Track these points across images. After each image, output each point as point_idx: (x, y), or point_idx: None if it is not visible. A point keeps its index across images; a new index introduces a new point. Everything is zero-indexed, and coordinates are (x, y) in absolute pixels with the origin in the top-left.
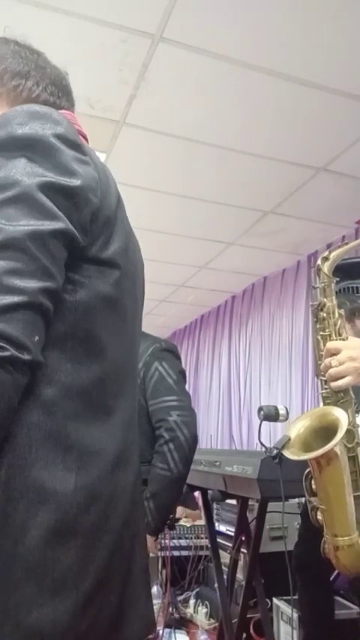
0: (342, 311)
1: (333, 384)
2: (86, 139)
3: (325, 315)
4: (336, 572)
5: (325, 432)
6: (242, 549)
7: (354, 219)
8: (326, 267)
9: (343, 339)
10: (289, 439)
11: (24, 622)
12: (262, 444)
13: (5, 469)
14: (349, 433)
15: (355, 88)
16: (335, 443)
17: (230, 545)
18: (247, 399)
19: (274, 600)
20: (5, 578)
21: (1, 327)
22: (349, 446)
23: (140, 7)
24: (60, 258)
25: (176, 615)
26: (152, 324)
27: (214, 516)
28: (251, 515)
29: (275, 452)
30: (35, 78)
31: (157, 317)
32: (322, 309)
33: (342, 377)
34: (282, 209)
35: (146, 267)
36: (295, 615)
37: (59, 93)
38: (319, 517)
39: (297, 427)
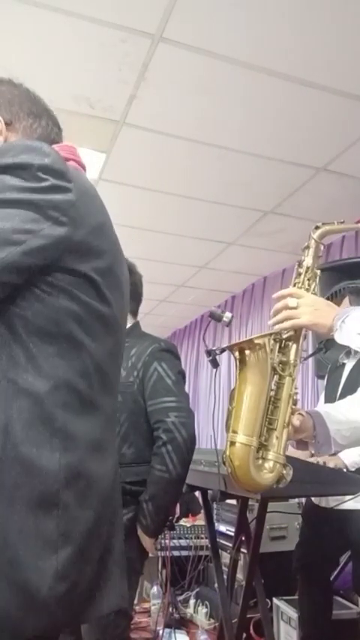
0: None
1: (282, 324)
2: (84, 168)
3: (301, 271)
4: (336, 572)
5: None
6: (242, 549)
7: (354, 219)
8: (316, 234)
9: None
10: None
11: (12, 580)
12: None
13: (0, 445)
14: (286, 365)
15: (355, 88)
16: (260, 335)
17: (230, 545)
18: None
19: (274, 600)
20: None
21: None
22: (282, 374)
23: (140, 7)
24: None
25: (176, 615)
26: (152, 324)
27: (214, 516)
28: (251, 516)
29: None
30: (46, 118)
31: (157, 317)
32: (300, 266)
33: (292, 318)
34: (282, 209)
35: (146, 267)
36: (295, 615)
37: (58, 130)
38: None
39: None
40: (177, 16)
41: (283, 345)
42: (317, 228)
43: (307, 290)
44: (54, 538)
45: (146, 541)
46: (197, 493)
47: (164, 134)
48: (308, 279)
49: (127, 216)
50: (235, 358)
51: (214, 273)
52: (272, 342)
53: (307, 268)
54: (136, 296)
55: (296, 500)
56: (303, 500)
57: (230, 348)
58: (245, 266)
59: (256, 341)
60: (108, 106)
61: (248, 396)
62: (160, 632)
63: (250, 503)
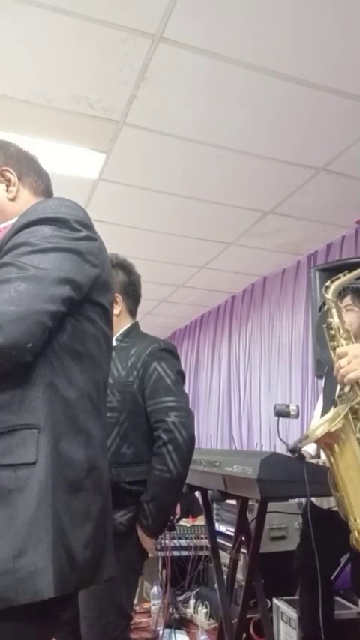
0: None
1: (344, 380)
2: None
3: (334, 332)
4: (336, 572)
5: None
6: (242, 549)
7: (354, 219)
8: (330, 293)
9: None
10: (307, 436)
11: (63, 544)
12: (282, 440)
13: (49, 439)
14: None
15: (356, 88)
16: (333, 423)
17: (230, 545)
18: (247, 399)
19: (274, 600)
20: (45, 513)
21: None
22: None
23: (140, 7)
24: (72, 297)
25: (176, 615)
26: (152, 324)
27: (214, 516)
28: (251, 516)
29: (295, 446)
30: (43, 175)
31: (157, 317)
32: (330, 328)
33: (350, 372)
34: (282, 209)
35: (146, 267)
36: (295, 615)
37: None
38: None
39: (317, 427)
40: (177, 16)
41: (356, 412)
42: (327, 287)
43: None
44: (82, 515)
45: (146, 541)
46: (197, 493)
47: (164, 134)
48: (345, 339)
49: (127, 216)
50: (323, 449)
51: (214, 273)
52: (347, 417)
53: (338, 328)
54: (135, 296)
55: (296, 500)
56: (303, 500)
57: (317, 442)
58: (245, 266)
59: (334, 429)
60: (108, 106)
61: (349, 480)
62: (160, 632)
63: (250, 503)
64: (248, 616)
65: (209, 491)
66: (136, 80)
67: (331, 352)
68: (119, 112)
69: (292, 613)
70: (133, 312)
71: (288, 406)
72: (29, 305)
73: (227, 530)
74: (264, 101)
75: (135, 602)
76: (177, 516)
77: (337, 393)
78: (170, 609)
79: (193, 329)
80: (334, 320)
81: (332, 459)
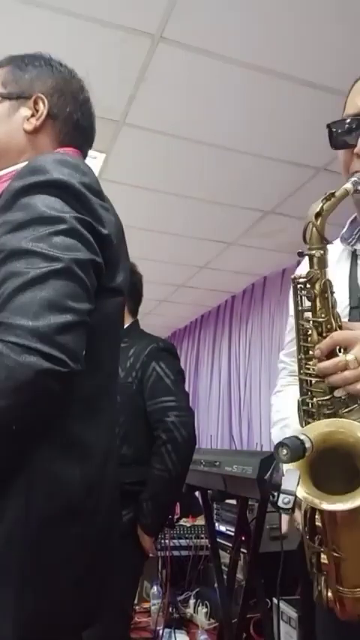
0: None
1: (351, 388)
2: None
3: (317, 292)
4: None
5: (343, 457)
6: (242, 549)
7: None
8: (320, 227)
9: (340, 326)
10: (299, 476)
11: (46, 585)
12: (272, 494)
13: (27, 462)
14: None
15: None
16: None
17: (230, 545)
18: (247, 399)
19: (274, 600)
20: (33, 548)
21: (65, 342)
22: None
23: (140, 7)
24: (94, 285)
25: (176, 615)
26: (152, 324)
27: (214, 516)
28: (251, 516)
29: (288, 500)
30: (83, 134)
31: (157, 317)
32: (312, 284)
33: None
34: (282, 209)
35: (146, 267)
36: (295, 615)
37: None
38: (326, 564)
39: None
40: (177, 16)
41: None
42: (319, 215)
43: (336, 320)
44: (79, 541)
45: (146, 540)
46: (197, 493)
47: (164, 134)
48: (331, 305)
49: (126, 216)
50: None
51: (214, 273)
52: None
53: (327, 287)
54: (137, 296)
55: None
56: None
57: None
58: (245, 266)
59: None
60: (108, 106)
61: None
62: (160, 632)
63: (250, 503)
64: (248, 616)
65: (209, 491)
66: (136, 80)
67: (305, 325)
68: (119, 112)
69: (292, 613)
70: (134, 311)
71: (300, 440)
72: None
73: (227, 530)
74: (264, 101)
75: (135, 602)
76: (177, 516)
77: (325, 396)
78: (170, 609)
79: (193, 329)
80: (322, 275)
81: (332, 516)
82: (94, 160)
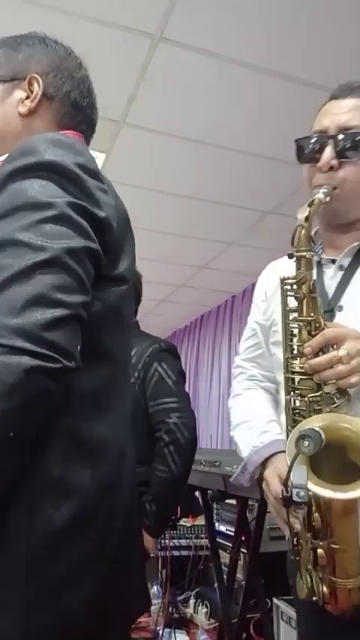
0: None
1: (344, 382)
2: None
3: (305, 292)
4: None
5: (340, 450)
6: (242, 549)
7: None
8: (308, 229)
9: (325, 325)
10: (307, 471)
11: (54, 604)
12: (286, 494)
13: (29, 467)
14: None
15: None
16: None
17: (230, 545)
18: None
19: (274, 600)
20: (35, 565)
21: (54, 339)
22: None
23: (140, 7)
24: (91, 274)
25: (176, 615)
26: (152, 324)
27: (214, 516)
28: (251, 516)
29: (303, 494)
30: (82, 114)
31: (157, 317)
32: (301, 285)
33: (354, 373)
34: (282, 209)
35: (146, 267)
36: (295, 615)
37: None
38: (322, 559)
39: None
40: (177, 16)
41: None
42: (307, 219)
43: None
44: (93, 555)
45: (148, 541)
46: (197, 493)
47: (164, 134)
48: (318, 305)
49: None
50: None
51: (214, 273)
52: None
53: (314, 288)
54: (136, 296)
55: None
56: None
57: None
58: (245, 266)
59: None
60: (108, 106)
61: (354, 533)
62: (160, 632)
63: (250, 503)
64: (248, 616)
65: (209, 491)
66: (136, 80)
67: (293, 325)
68: (119, 112)
69: (292, 613)
70: (134, 311)
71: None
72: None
73: (227, 530)
74: (264, 101)
75: None
76: (177, 516)
77: (314, 393)
78: (170, 609)
79: (193, 329)
80: (308, 276)
81: (333, 507)
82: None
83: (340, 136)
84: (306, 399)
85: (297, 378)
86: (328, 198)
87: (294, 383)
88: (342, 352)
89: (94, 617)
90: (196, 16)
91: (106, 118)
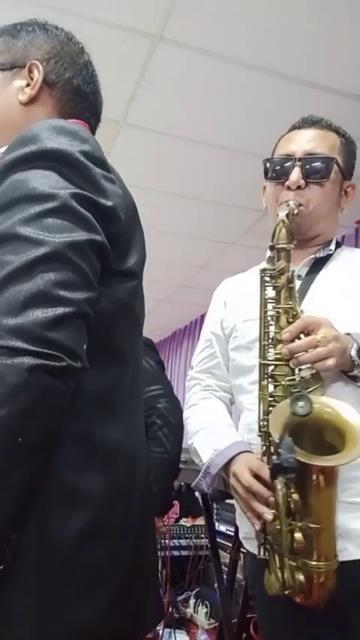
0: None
1: (319, 365)
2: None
3: (283, 282)
4: None
5: (316, 430)
6: (242, 549)
7: (354, 219)
8: (288, 225)
9: (302, 312)
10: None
11: (65, 619)
12: (276, 457)
13: (39, 474)
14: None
15: (356, 88)
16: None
17: (230, 545)
18: None
19: None
20: (45, 579)
21: (57, 338)
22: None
23: (140, 7)
24: (97, 269)
25: (176, 615)
26: (152, 324)
27: (214, 516)
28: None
29: (292, 460)
30: (85, 100)
31: (157, 317)
32: (279, 275)
33: (330, 356)
34: None
35: (146, 267)
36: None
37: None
38: (300, 542)
39: (280, 424)
40: (177, 16)
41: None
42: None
43: (292, 305)
44: (105, 568)
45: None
46: (197, 493)
47: (164, 134)
48: (296, 295)
49: None
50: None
51: (214, 273)
52: None
53: (292, 278)
54: None
55: None
56: None
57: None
58: (245, 266)
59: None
60: (108, 106)
61: (329, 511)
62: (160, 632)
63: None
64: (248, 616)
65: (209, 492)
66: (136, 80)
67: (271, 313)
68: (119, 112)
69: None
70: None
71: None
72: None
73: (227, 530)
74: (264, 101)
75: None
76: (176, 516)
77: (296, 375)
78: (170, 609)
79: (193, 329)
80: (287, 267)
81: (317, 479)
82: None
83: (307, 160)
84: (282, 383)
85: (272, 365)
86: (296, 211)
87: (267, 369)
88: (320, 336)
89: (107, 633)
90: (196, 16)
91: (106, 118)
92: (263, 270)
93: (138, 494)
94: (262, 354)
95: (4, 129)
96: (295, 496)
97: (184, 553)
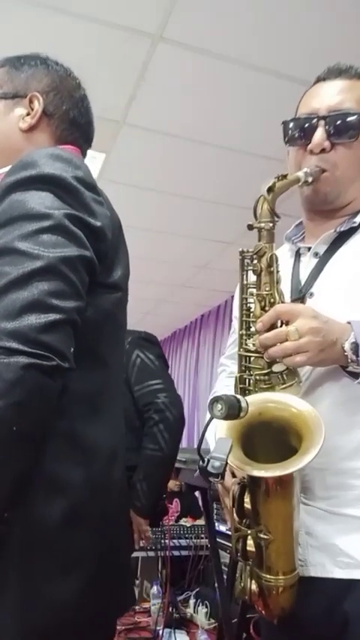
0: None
1: (287, 361)
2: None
3: (263, 266)
4: None
5: (278, 431)
6: None
7: None
8: (270, 202)
9: (282, 301)
10: (232, 444)
11: (43, 594)
12: (200, 455)
13: (29, 462)
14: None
15: None
16: (304, 462)
17: (230, 545)
18: None
19: None
20: (29, 555)
21: (49, 341)
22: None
23: (140, 7)
24: (86, 281)
25: (176, 615)
26: (152, 324)
27: (214, 516)
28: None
29: (218, 465)
30: (79, 130)
31: (157, 317)
32: (259, 258)
33: (301, 352)
34: (282, 209)
35: (146, 267)
36: None
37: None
38: (250, 548)
39: (229, 423)
40: (177, 16)
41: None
42: (270, 190)
43: (281, 295)
44: (84, 551)
45: (141, 523)
46: (197, 493)
47: (164, 134)
48: (276, 280)
49: (127, 216)
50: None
51: (214, 273)
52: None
53: (273, 261)
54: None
55: None
56: None
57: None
58: None
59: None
60: (108, 106)
61: (285, 523)
62: (160, 632)
63: None
64: (248, 616)
65: (209, 491)
66: (136, 80)
67: (248, 299)
68: (119, 112)
69: None
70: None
71: (238, 399)
72: None
73: (227, 530)
74: (264, 101)
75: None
76: (177, 514)
77: (262, 371)
78: (170, 609)
79: (193, 329)
80: (268, 249)
81: (267, 488)
82: (94, 159)
83: (332, 117)
84: (253, 377)
85: (252, 356)
86: (310, 179)
87: (248, 361)
88: (291, 328)
89: (79, 612)
90: (196, 16)
91: (106, 118)
92: (241, 253)
93: (115, 489)
94: (241, 345)
95: (6, 152)
96: (247, 502)
97: (184, 553)
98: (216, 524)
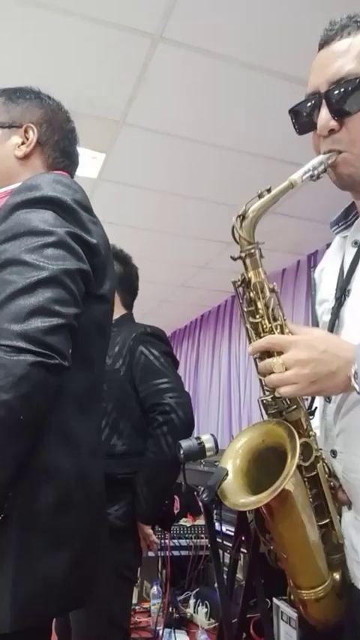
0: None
1: (278, 391)
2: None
3: (252, 294)
4: None
5: (272, 454)
6: (242, 549)
7: None
8: (245, 230)
9: (280, 325)
10: (227, 473)
11: (36, 569)
12: (190, 486)
13: (30, 450)
14: (306, 447)
15: None
16: (284, 484)
17: (230, 545)
18: (247, 399)
19: (274, 600)
20: (25, 532)
21: (52, 342)
22: (306, 464)
23: (140, 7)
24: (83, 291)
25: (176, 615)
26: (152, 323)
27: (214, 516)
28: (251, 516)
29: (206, 497)
30: (69, 158)
31: (157, 317)
32: (248, 287)
33: (287, 384)
34: (282, 209)
35: (146, 268)
36: (295, 615)
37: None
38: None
39: (234, 452)
40: (177, 16)
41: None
42: (243, 217)
43: (275, 320)
44: (71, 532)
45: (143, 530)
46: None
47: (164, 134)
48: (266, 305)
49: (127, 216)
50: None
51: (214, 273)
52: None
53: (262, 287)
54: (131, 289)
55: None
56: None
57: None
58: None
59: (287, 487)
60: (108, 106)
61: (294, 543)
62: (160, 632)
63: None
64: (248, 616)
65: None
66: (136, 80)
67: (248, 327)
68: (119, 112)
69: (292, 613)
70: (128, 305)
71: (199, 440)
72: None
73: (227, 530)
74: (264, 101)
75: (135, 601)
76: (177, 510)
77: (260, 395)
78: (170, 609)
79: (193, 329)
80: (254, 276)
81: (267, 512)
82: (94, 159)
83: (333, 91)
84: (264, 400)
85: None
86: (321, 167)
87: (263, 384)
88: (275, 360)
89: (65, 585)
90: (196, 16)
91: (106, 118)
92: (234, 284)
93: (97, 481)
94: (257, 367)
95: (2, 175)
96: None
97: (184, 553)
98: (216, 524)
